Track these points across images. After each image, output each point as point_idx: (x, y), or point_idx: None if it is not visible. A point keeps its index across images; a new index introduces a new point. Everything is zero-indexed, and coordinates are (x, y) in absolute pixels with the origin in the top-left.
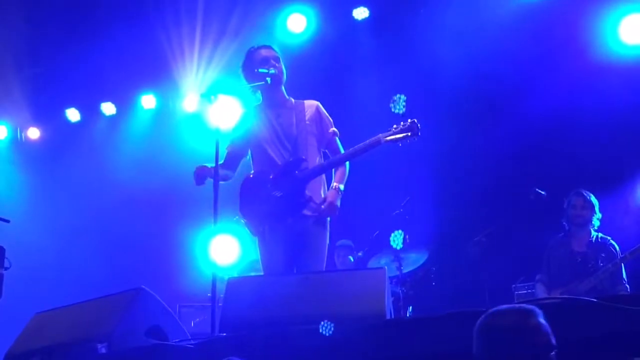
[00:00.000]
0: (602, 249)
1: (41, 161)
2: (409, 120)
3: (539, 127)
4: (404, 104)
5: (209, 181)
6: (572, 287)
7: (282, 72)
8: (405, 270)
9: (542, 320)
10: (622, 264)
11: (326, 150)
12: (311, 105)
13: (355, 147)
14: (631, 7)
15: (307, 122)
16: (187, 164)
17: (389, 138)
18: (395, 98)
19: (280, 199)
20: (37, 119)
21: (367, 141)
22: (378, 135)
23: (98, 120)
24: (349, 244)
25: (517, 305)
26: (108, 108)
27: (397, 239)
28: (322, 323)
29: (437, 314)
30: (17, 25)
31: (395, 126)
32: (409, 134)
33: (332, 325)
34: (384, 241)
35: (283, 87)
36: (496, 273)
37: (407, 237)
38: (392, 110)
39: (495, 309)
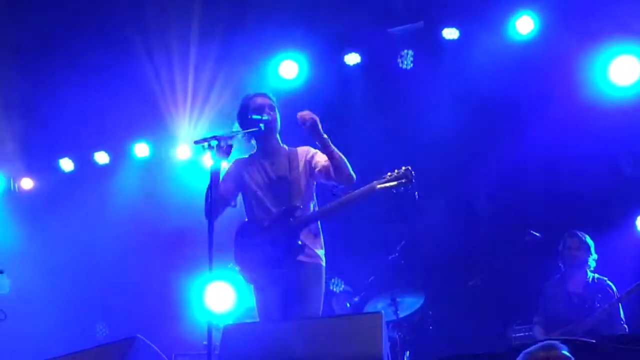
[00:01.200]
0: (598, 289)
1: (35, 211)
2: (403, 168)
3: (532, 169)
4: (411, 59)
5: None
6: (570, 328)
7: (276, 120)
8: (401, 315)
9: (566, 352)
10: (620, 305)
11: (319, 175)
12: (304, 150)
13: (350, 194)
14: (621, 48)
15: (302, 169)
16: (182, 211)
17: (382, 186)
18: (403, 53)
19: (275, 246)
20: (31, 169)
21: (362, 189)
22: (372, 183)
23: (91, 169)
24: (347, 289)
25: (542, 342)
26: (101, 157)
27: None
28: None
29: (435, 358)
30: (8, 75)
31: (389, 174)
32: (403, 181)
33: None
34: (380, 286)
35: (277, 135)
36: (493, 316)
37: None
38: (399, 65)
39: (526, 350)
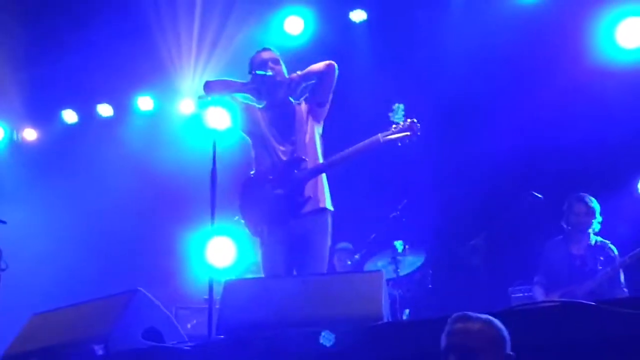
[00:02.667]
0: (601, 252)
1: (37, 162)
2: (409, 120)
3: (537, 130)
4: (402, 113)
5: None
6: (570, 290)
7: (280, 73)
8: (402, 273)
9: (483, 322)
10: (621, 269)
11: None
12: (302, 105)
13: (355, 146)
14: (628, 10)
15: (307, 121)
16: (184, 165)
17: (387, 137)
18: (394, 107)
19: (280, 198)
20: (34, 121)
21: (366, 141)
22: (377, 135)
23: (95, 121)
24: (349, 247)
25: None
26: (105, 110)
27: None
28: (323, 334)
29: (434, 316)
30: (13, 27)
31: (394, 126)
32: (409, 133)
33: (333, 336)
34: (381, 244)
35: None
36: (493, 276)
37: (406, 246)
38: (391, 119)
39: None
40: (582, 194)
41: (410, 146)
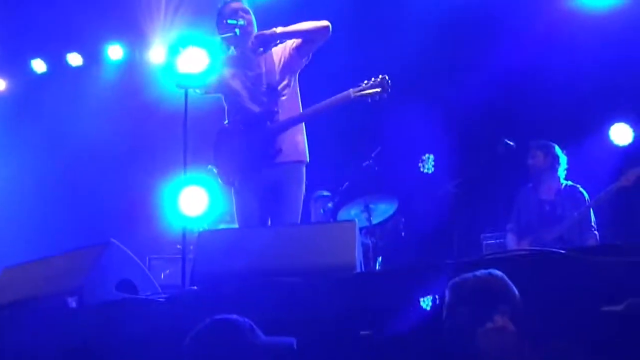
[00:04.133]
0: (570, 196)
1: (6, 113)
2: (380, 77)
3: (510, 78)
4: (432, 163)
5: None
6: (539, 235)
7: (251, 24)
8: (374, 221)
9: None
10: (592, 211)
11: (301, 50)
12: (279, 49)
13: (326, 101)
14: None
15: (278, 67)
16: (157, 115)
17: (358, 94)
18: (424, 158)
19: (253, 148)
20: (2, 71)
21: (338, 96)
22: (348, 90)
23: (64, 71)
24: (324, 194)
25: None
26: (74, 59)
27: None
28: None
29: (407, 266)
30: None
31: (365, 82)
32: (379, 90)
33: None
34: (354, 192)
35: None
36: (465, 223)
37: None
38: (421, 169)
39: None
40: (537, 140)
41: (381, 100)
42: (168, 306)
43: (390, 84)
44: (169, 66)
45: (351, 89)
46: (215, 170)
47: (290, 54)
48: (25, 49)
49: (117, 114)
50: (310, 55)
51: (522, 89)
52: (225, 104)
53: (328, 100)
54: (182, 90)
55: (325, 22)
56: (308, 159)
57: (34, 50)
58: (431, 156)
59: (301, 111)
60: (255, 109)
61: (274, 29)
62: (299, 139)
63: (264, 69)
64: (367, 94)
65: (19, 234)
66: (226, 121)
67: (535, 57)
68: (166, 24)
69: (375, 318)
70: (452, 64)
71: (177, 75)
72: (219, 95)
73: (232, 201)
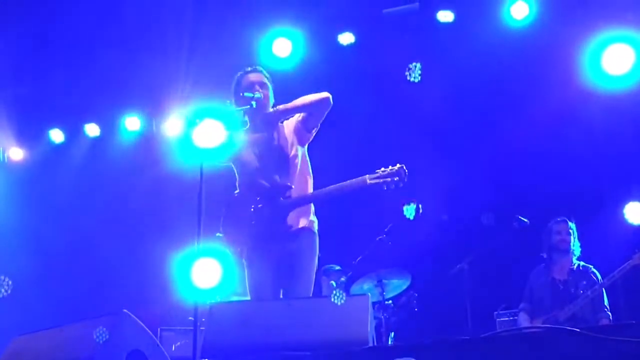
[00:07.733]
0: (583, 276)
1: (24, 182)
2: (397, 165)
3: (524, 155)
4: (419, 72)
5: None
6: (553, 315)
7: (267, 97)
8: (387, 296)
9: None
10: (604, 291)
11: (305, 124)
12: (289, 122)
13: (341, 184)
14: (615, 37)
15: (291, 141)
16: (171, 185)
17: (374, 181)
18: (411, 66)
19: (264, 223)
20: (21, 140)
21: (353, 180)
22: (364, 177)
23: (82, 141)
24: (336, 268)
25: None
26: (92, 129)
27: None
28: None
29: (419, 342)
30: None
31: (382, 169)
32: (396, 179)
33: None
34: (367, 267)
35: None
36: (478, 300)
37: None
38: (408, 78)
39: None
40: (561, 217)
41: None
42: None
43: (407, 172)
44: (185, 139)
45: (367, 176)
46: (224, 240)
47: (296, 127)
48: (43, 119)
49: (132, 184)
50: (318, 126)
51: (535, 166)
52: (236, 174)
53: (343, 184)
54: (198, 163)
55: (325, 94)
56: (317, 232)
57: (52, 120)
58: (418, 64)
59: (311, 182)
60: (268, 182)
61: (277, 107)
62: (310, 212)
63: (276, 142)
64: (383, 182)
65: (32, 302)
66: (237, 191)
67: (551, 134)
68: (183, 96)
69: None
70: (465, 141)
71: (193, 148)
72: (230, 164)
73: (244, 273)
